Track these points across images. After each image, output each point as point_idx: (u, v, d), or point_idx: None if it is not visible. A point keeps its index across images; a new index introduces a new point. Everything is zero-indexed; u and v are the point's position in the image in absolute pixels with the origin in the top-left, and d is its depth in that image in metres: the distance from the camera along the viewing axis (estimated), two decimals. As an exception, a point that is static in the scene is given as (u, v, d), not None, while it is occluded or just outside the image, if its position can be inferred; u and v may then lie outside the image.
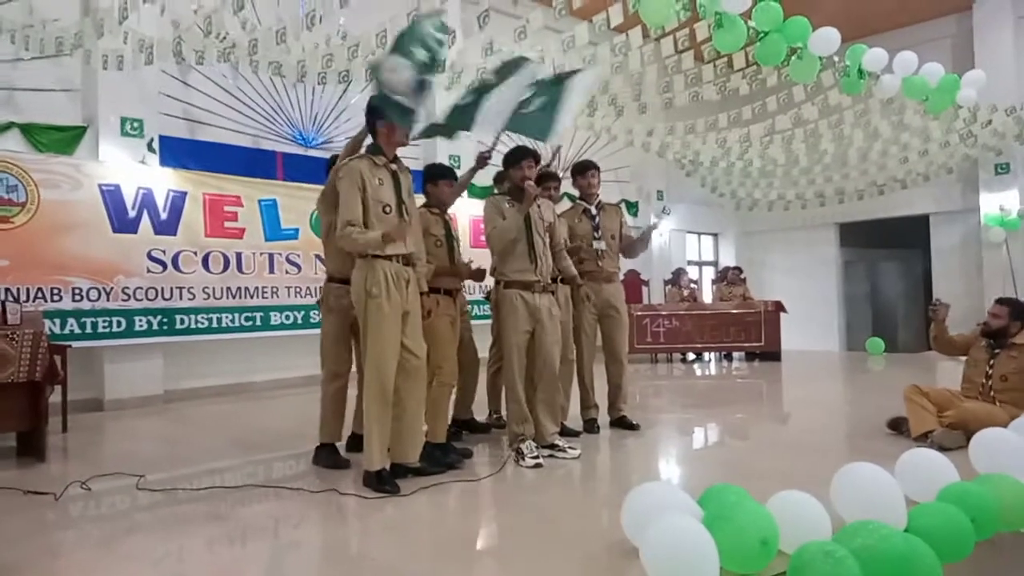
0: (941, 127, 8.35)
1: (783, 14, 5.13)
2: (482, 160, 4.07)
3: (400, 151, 3.67)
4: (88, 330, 6.10)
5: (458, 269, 4.14)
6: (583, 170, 4.88)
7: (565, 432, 4.43)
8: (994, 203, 10.80)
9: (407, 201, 3.56)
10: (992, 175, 10.83)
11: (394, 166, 3.55)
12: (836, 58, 5.68)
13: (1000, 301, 4.41)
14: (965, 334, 4.59)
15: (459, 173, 4.49)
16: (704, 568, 2.02)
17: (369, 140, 3.61)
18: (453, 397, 4.53)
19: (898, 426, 4.44)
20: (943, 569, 2.16)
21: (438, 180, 4.20)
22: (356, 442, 4.11)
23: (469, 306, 5.06)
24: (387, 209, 3.45)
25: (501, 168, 4.33)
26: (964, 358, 4.63)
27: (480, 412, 4.88)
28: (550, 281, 4.23)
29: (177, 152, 6.95)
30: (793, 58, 5.34)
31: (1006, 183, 10.77)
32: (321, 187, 4.08)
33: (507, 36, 5.50)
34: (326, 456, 3.97)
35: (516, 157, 4.14)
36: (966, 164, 10.14)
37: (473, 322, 4.85)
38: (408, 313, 3.48)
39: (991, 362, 4.30)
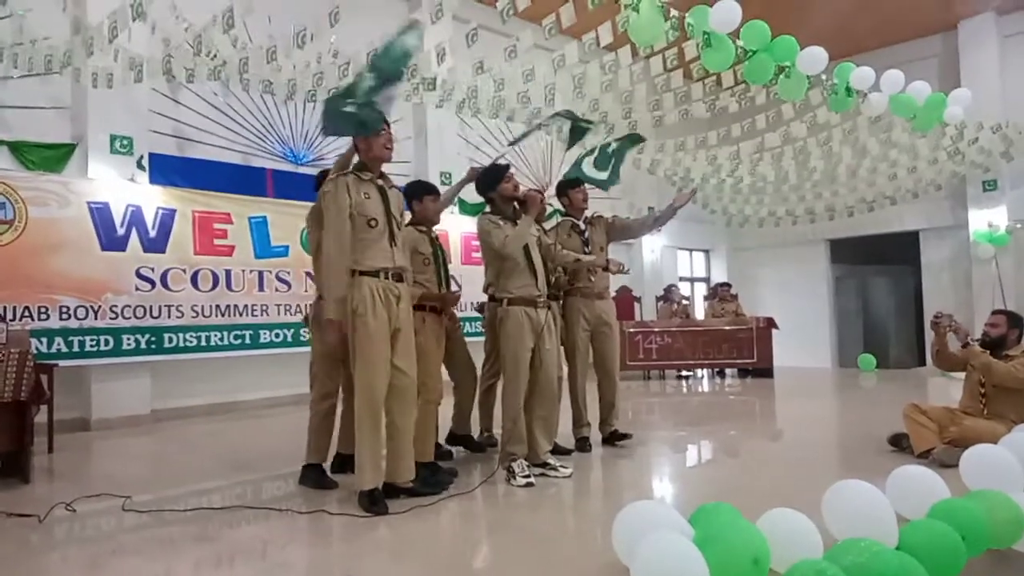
0: (929, 144, 8.40)
1: (771, 33, 5.17)
2: (474, 175, 4.15)
3: (390, 168, 3.68)
4: (75, 349, 6.05)
5: (444, 298, 4.09)
6: (572, 186, 4.89)
7: (556, 450, 4.40)
8: (983, 219, 10.88)
9: (397, 218, 3.55)
10: (980, 191, 10.92)
11: (381, 181, 3.54)
12: (824, 76, 5.72)
13: (996, 312, 4.43)
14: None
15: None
16: (695, 588, 2.00)
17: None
18: (449, 412, 4.51)
19: (898, 442, 4.44)
20: (935, 587, 2.15)
21: (423, 196, 4.17)
22: (342, 462, 4.07)
23: (460, 322, 5.03)
24: (373, 223, 3.43)
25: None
26: (957, 375, 4.63)
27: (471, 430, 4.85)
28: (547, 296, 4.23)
29: (167, 169, 6.94)
30: (781, 76, 5.37)
31: (994, 199, 10.86)
32: (311, 204, 4.07)
33: (497, 55, 5.52)
34: (313, 477, 3.92)
35: (496, 175, 4.14)
36: (954, 181, 10.21)
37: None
38: (399, 331, 3.45)
39: None
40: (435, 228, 4.35)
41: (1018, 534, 2.59)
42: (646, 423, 6.31)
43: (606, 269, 4.65)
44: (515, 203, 4.11)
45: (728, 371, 10.03)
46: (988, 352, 4.25)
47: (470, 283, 6.17)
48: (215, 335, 6.90)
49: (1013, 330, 4.27)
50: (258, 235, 7.30)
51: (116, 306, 6.30)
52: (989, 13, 10.95)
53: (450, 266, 4.40)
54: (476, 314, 8.34)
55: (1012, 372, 4.07)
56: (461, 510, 3.44)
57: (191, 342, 6.74)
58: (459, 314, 4.74)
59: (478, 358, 4.83)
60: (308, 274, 7.44)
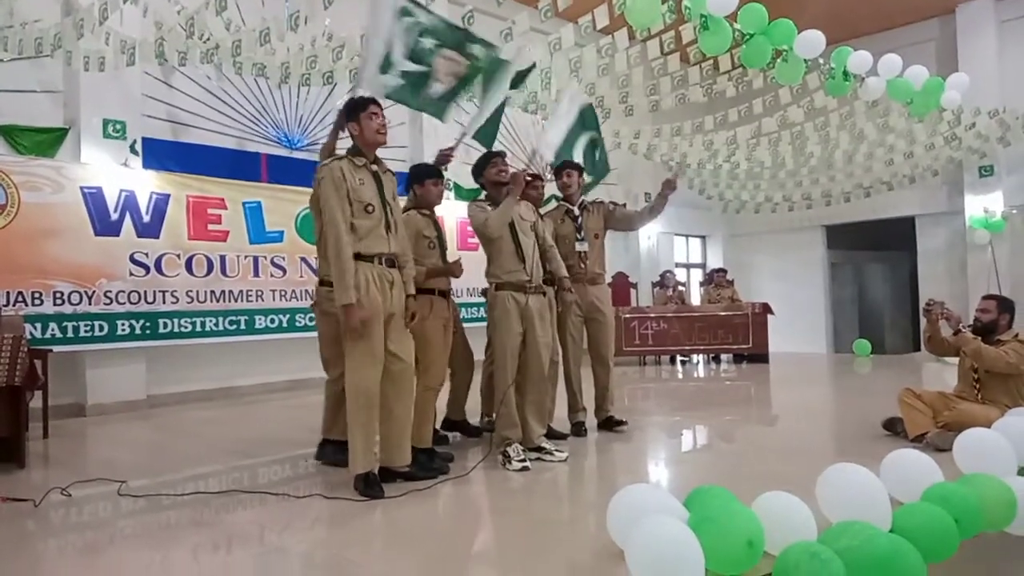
0: (926, 129, 8.40)
1: (768, 16, 5.14)
2: (443, 159, 4.29)
3: (386, 153, 3.65)
4: (70, 334, 6.02)
5: (451, 268, 4.11)
6: (560, 170, 4.88)
7: (552, 434, 4.41)
8: (979, 205, 10.89)
9: (391, 203, 3.53)
10: (976, 177, 10.92)
11: (375, 167, 3.51)
12: (821, 60, 5.70)
13: (987, 297, 4.43)
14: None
15: (446, 176, 4.51)
16: (689, 570, 2.00)
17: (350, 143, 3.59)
18: (446, 398, 4.50)
19: (893, 426, 4.45)
20: (928, 569, 2.16)
21: (424, 180, 4.16)
22: (329, 447, 4.07)
23: (459, 308, 5.02)
24: (370, 208, 3.40)
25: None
26: (952, 360, 4.63)
27: (472, 415, 4.84)
28: (541, 282, 4.21)
29: (160, 154, 6.88)
30: (779, 60, 5.35)
31: (990, 185, 10.86)
32: (307, 189, 4.05)
33: (493, 37, 5.47)
34: (330, 452, 3.95)
35: (484, 160, 4.18)
36: (951, 166, 10.21)
37: (465, 324, 4.81)
38: (393, 316, 3.44)
39: None
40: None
41: (1010, 517, 2.61)
42: (642, 408, 6.33)
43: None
44: (505, 188, 4.10)
45: (723, 357, 10.06)
46: (979, 338, 4.26)
47: (466, 269, 6.13)
48: (210, 320, 6.88)
49: (1004, 315, 4.27)
50: (252, 220, 7.26)
51: (110, 291, 6.27)
52: (987, -2, 10.91)
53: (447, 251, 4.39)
54: (471, 299, 8.37)
55: (1003, 357, 4.08)
56: (457, 494, 3.44)
57: (186, 327, 6.72)
58: (454, 299, 4.72)
59: (479, 344, 4.82)
60: (303, 259, 7.45)
